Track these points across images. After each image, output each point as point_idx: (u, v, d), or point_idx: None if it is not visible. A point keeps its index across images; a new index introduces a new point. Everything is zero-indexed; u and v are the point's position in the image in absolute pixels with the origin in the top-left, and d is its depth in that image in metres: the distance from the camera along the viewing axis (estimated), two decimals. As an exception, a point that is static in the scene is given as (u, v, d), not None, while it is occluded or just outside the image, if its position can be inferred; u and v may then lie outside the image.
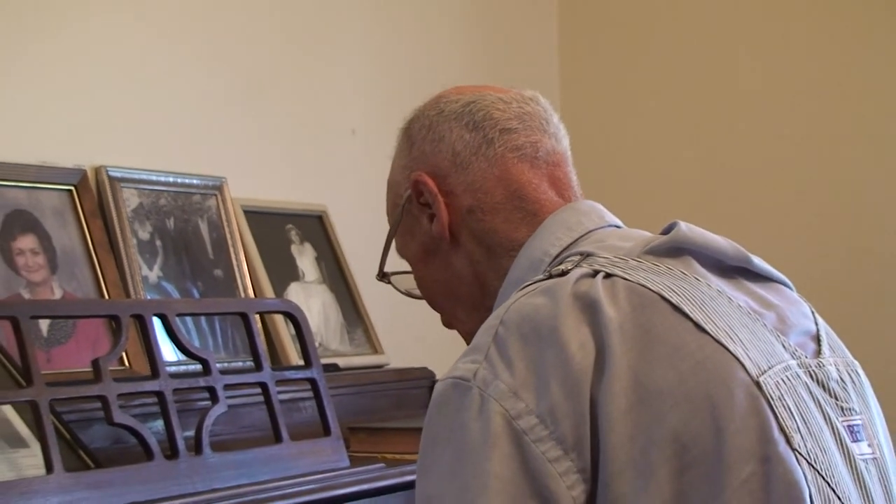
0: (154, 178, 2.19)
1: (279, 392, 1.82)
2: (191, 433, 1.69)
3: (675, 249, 1.17)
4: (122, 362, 1.95)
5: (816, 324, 1.22)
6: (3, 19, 2.06)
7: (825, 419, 1.11)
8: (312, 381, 1.87)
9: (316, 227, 2.48)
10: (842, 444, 1.11)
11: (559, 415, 1.04)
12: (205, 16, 2.40)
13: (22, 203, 1.96)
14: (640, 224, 1.29)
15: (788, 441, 1.05)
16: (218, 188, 2.29)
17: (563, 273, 1.13)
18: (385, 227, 1.36)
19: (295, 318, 1.90)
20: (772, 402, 1.06)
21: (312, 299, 2.38)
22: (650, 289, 1.10)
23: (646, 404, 1.04)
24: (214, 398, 1.73)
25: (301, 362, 1.91)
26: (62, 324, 1.93)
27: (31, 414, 1.54)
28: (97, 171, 2.11)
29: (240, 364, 2.14)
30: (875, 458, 1.15)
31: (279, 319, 2.24)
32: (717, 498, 1.02)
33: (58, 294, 1.96)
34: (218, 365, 1.76)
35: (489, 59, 3.06)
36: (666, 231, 1.20)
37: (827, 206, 2.93)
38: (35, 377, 1.54)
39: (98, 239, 2.04)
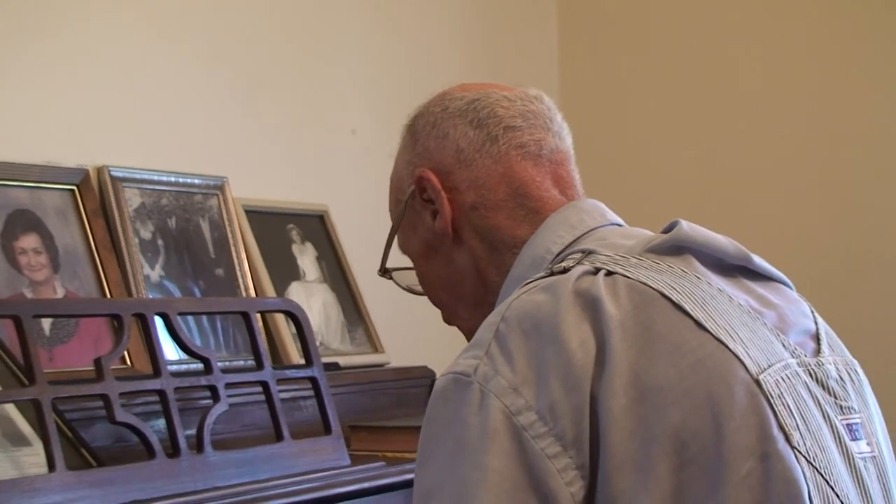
0: (156, 177, 2.19)
1: (280, 391, 1.83)
2: (192, 432, 1.69)
3: (676, 248, 1.18)
4: (123, 361, 1.96)
5: (816, 323, 1.23)
6: (5, 20, 2.07)
7: (824, 417, 1.11)
8: (313, 380, 1.88)
9: (317, 227, 2.49)
10: (841, 443, 1.11)
11: (559, 411, 1.04)
12: (206, 16, 2.41)
13: (24, 203, 1.97)
14: (639, 224, 1.29)
15: (787, 439, 1.05)
16: (219, 188, 2.30)
17: (565, 270, 1.14)
18: (386, 227, 1.37)
19: (296, 318, 1.90)
20: (771, 400, 1.06)
21: (313, 298, 2.39)
22: (651, 286, 1.10)
23: (646, 401, 1.04)
24: (216, 397, 1.73)
25: (302, 361, 1.91)
26: (64, 323, 1.93)
27: (34, 412, 1.54)
28: (99, 170, 2.11)
29: (241, 363, 2.14)
30: (874, 457, 1.15)
31: (280, 318, 2.24)
32: (716, 494, 1.02)
33: (60, 293, 1.96)
34: (219, 364, 1.76)
35: (489, 59, 3.07)
36: (667, 230, 1.20)
37: (827, 206, 2.93)
38: (37, 376, 1.54)
39: (100, 238, 2.04)
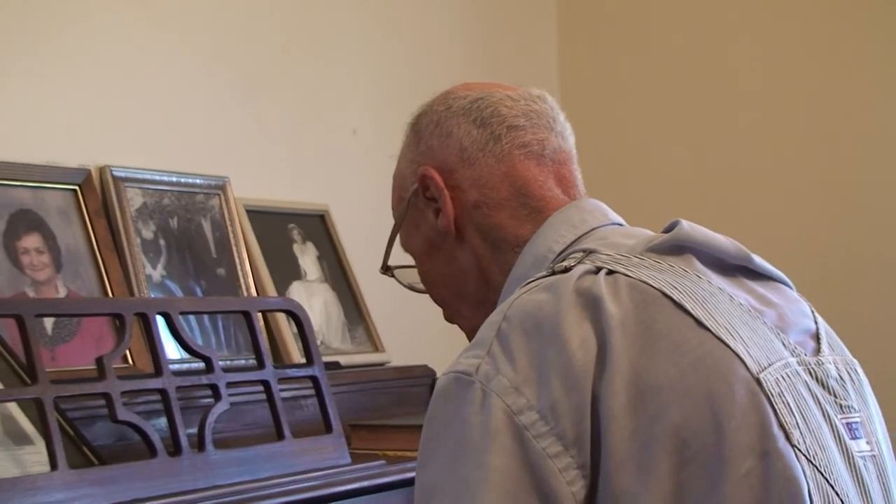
0: (158, 177, 2.20)
1: (281, 390, 1.83)
2: (194, 430, 1.69)
3: (676, 247, 1.18)
4: (125, 360, 1.96)
5: (816, 322, 1.23)
6: (6, 20, 2.07)
7: (824, 416, 1.11)
8: (314, 379, 1.88)
9: (318, 227, 2.49)
10: (840, 442, 1.11)
11: (560, 411, 1.04)
12: (207, 16, 2.41)
13: (27, 202, 1.97)
14: (639, 224, 1.29)
15: (788, 437, 1.05)
16: (221, 188, 2.30)
17: (566, 270, 1.14)
18: (386, 227, 1.37)
19: (297, 317, 1.90)
20: (771, 399, 1.06)
21: (314, 298, 2.39)
22: (652, 286, 1.10)
23: (646, 400, 1.04)
24: (217, 396, 1.73)
25: (303, 360, 1.91)
26: (66, 322, 1.94)
27: (36, 411, 1.54)
28: (101, 170, 2.12)
29: (242, 362, 2.14)
30: (874, 456, 1.15)
31: (281, 318, 2.25)
32: (716, 492, 1.02)
33: (62, 293, 1.97)
34: (221, 363, 1.77)
35: (489, 59, 3.07)
36: (668, 229, 1.21)
37: (827, 206, 2.93)
38: (40, 375, 1.54)
39: (102, 238, 2.04)
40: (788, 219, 2.97)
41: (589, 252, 1.18)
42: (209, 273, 2.22)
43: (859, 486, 1.11)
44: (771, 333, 1.14)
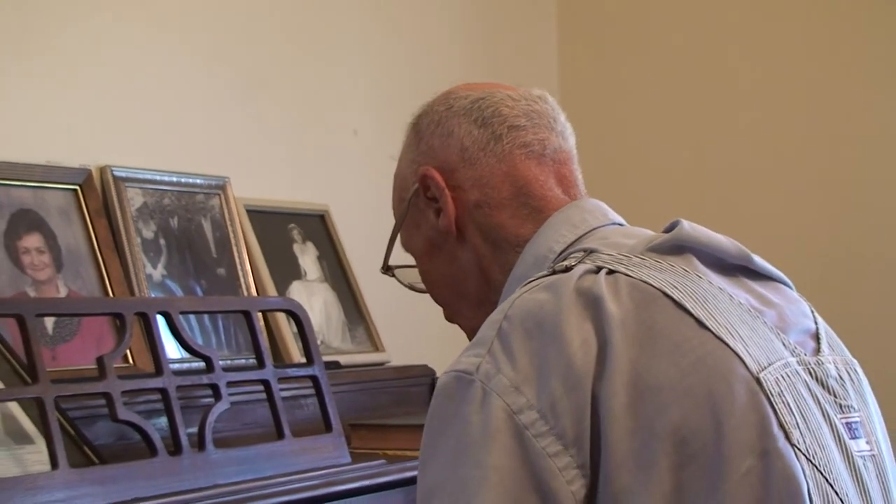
0: (158, 177, 2.20)
1: (281, 389, 1.83)
2: (194, 430, 1.70)
3: (677, 247, 1.18)
4: (126, 360, 1.96)
5: (816, 322, 1.23)
6: (6, 20, 2.07)
7: (824, 416, 1.12)
8: (314, 379, 1.88)
9: (318, 227, 2.49)
10: (840, 441, 1.12)
11: (560, 410, 1.04)
12: (207, 16, 2.41)
13: (28, 202, 1.97)
14: (640, 224, 1.30)
15: (787, 436, 1.05)
16: (221, 188, 2.31)
17: (567, 269, 1.14)
18: (387, 227, 1.37)
19: (297, 317, 1.91)
20: (771, 398, 1.06)
21: (314, 298, 2.39)
22: (652, 285, 1.11)
23: (647, 399, 1.04)
24: (217, 395, 1.74)
25: (303, 360, 1.92)
26: (67, 322, 1.94)
27: (37, 411, 1.55)
28: (102, 170, 2.12)
29: (242, 361, 2.14)
30: (873, 456, 1.16)
31: (281, 317, 2.25)
32: (716, 491, 1.02)
33: (63, 292, 1.97)
34: (221, 362, 1.77)
35: (489, 59, 3.07)
36: (669, 229, 1.21)
37: (827, 206, 2.93)
38: (40, 374, 1.55)
39: (103, 238, 2.05)
40: (788, 219, 2.97)
41: (589, 252, 1.18)
42: (209, 273, 2.22)
43: (859, 485, 1.11)
44: (771, 333, 1.14)
